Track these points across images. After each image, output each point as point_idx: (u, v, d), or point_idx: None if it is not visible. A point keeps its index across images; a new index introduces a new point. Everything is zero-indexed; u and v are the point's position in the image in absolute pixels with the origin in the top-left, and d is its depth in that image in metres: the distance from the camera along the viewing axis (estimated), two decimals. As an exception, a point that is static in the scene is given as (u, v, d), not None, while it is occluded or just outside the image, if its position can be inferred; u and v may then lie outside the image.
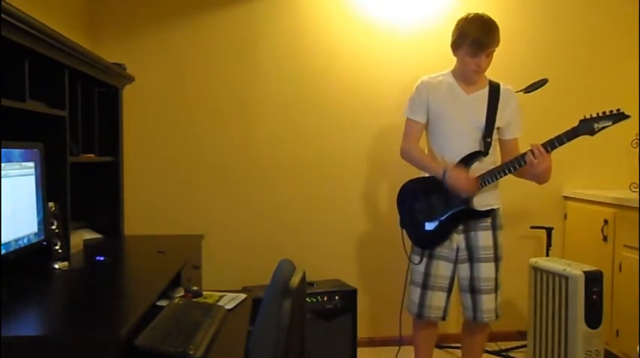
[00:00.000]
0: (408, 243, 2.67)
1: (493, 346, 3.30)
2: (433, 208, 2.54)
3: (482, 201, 2.54)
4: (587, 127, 2.39)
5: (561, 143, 2.39)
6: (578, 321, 2.68)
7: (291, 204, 3.45)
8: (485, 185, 2.49)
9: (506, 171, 2.46)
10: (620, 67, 3.57)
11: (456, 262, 2.57)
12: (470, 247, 2.55)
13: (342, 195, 3.48)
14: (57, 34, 2.00)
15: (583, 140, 3.26)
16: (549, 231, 3.37)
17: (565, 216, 3.56)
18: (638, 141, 3.25)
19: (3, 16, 1.65)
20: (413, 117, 2.60)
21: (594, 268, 2.75)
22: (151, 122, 3.36)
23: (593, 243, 3.21)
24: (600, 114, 2.39)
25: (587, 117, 2.41)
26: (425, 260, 2.57)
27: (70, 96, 2.31)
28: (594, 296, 2.69)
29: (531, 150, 2.39)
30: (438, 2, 3.45)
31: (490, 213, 2.56)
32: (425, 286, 2.58)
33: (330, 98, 3.44)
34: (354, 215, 3.50)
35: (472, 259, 2.55)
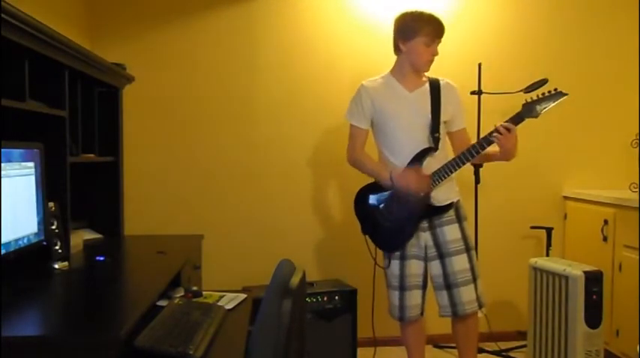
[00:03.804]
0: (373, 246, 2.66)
1: (493, 346, 3.30)
2: (391, 210, 2.54)
3: (441, 196, 2.54)
4: (530, 111, 2.44)
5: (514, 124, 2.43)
6: (578, 321, 2.68)
7: (292, 204, 3.45)
8: (449, 175, 2.49)
9: (470, 156, 2.46)
10: (620, 66, 3.57)
11: (425, 260, 2.57)
12: (438, 243, 2.55)
13: (343, 195, 3.48)
14: (57, 34, 2.00)
15: (582, 140, 3.28)
16: (549, 231, 3.37)
17: (565, 216, 3.56)
18: (638, 141, 3.25)
19: (3, 16, 1.65)
20: (356, 124, 2.61)
21: (594, 268, 2.75)
22: (151, 122, 3.36)
23: (593, 243, 3.21)
24: (540, 96, 2.45)
25: (529, 100, 2.46)
26: (398, 262, 2.58)
27: (70, 97, 2.31)
28: (594, 296, 2.69)
29: (497, 129, 2.40)
30: (438, 2, 3.45)
31: (450, 207, 2.56)
32: (402, 288, 2.58)
33: (330, 98, 3.43)
34: (355, 215, 3.49)
35: (442, 255, 2.55)
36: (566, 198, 3.57)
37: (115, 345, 1.37)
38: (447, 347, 3.41)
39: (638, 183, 3.06)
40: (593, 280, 2.70)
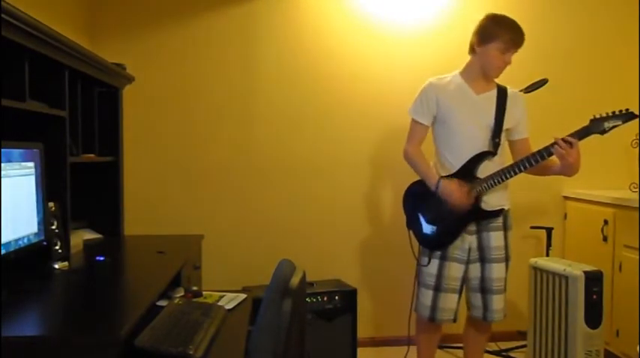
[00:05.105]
0: (415, 243, 2.66)
1: (493, 346, 3.30)
2: (440, 209, 2.53)
3: (492, 202, 2.53)
4: (598, 127, 2.41)
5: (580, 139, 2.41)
6: (578, 321, 2.68)
7: (291, 204, 3.45)
8: (502, 181, 2.47)
9: (528, 165, 2.44)
10: (620, 66, 3.57)
11: (467, 263, 2.57)
12: (482, 247, 2.55)
13: (342, 195, 3.48)
14: (57, 34, 2.00)
15: (583, 140, 3.27)
16: (549, 231, 3.37)
17: (565, 216, 3.56)
18: (638, 141, 3.25)
19: (3, 16, 1.65)
20: (418, 119, 2.60)
21: (594, 268, 2.75)
22: (151, 122, 3.36)
23: (593, 243, 3.21)
24: (610, 114, 2.40)
25: (597, 116, 2.42)
26: (437, 261, 2.56)
27: (70, 97, 2.31)
28: (594, 296, 2.69)
29: (557, 143, 2.37)
30: (439, 2, 3.45)
31: (500, 213, 2.55)
32: (437, 288, 2.56)
33: (331, 98, 3.44)
34: (354, 215, 3.50)
35: (484, 259, 2.55)
36: (566, 198, 3.57)
37: (115, 345, 1.37)
38: (449, 347, 3.41)
39: (638, 183, 3.06)
40: (593, 280, 2.70)
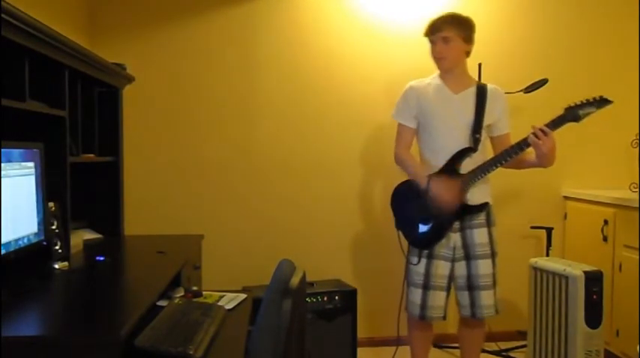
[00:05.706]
0: (405, 243, 2.67)
1: (493, 346, 3.30)
2: (427, 208, 2.54)
3: (475, 196, 2.55)
4: (572, 114, 2.43)
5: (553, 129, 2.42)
6: (578, 321, 2.68)
7: (291, 204, 3.45)
8: (483, 176, 2.50)
9: (507, 158, 2.47)
10: (620, 67, 3.57)
11: (453, 261, 2.58)
12: (466, 245, 2.57)
13: (342, 195, 3.48)
14: (57, 34, 2.00)
15: (582, 140, 3.28)
16: (549, 231, 3.37)
17: (565, 216, 3.56)
18: (638, 141, 3.25)
19: (3, 16, 1.65)
20: (403, 122, 2.65)
21: (594, 268, 2.75)
22: (151, 122, 3.36)
23: (593, 243, 3.21)
24: (584, 101, 2.42)
25: (572, 104, 2.44)
26: (424, 260, 2.58)
27: (70, 96, 2.31)
28: (594, 296, 2.69)
29: (533, 132, 2.40)
30: (439, 2, 3.45)
31: (484, 208, 2.57)
32: (426, 287, 2.58)
33: (330, 98, 3.44)
34: (354, 215, 3.50)
35: (469, 257, 2.56)
36: (566, 198, 3.57)
37: (115, 345, 1.37)
38: (447, 347, 3.42)
39: (638, 183, 3.06)
40: (593, 280, 2.70)
